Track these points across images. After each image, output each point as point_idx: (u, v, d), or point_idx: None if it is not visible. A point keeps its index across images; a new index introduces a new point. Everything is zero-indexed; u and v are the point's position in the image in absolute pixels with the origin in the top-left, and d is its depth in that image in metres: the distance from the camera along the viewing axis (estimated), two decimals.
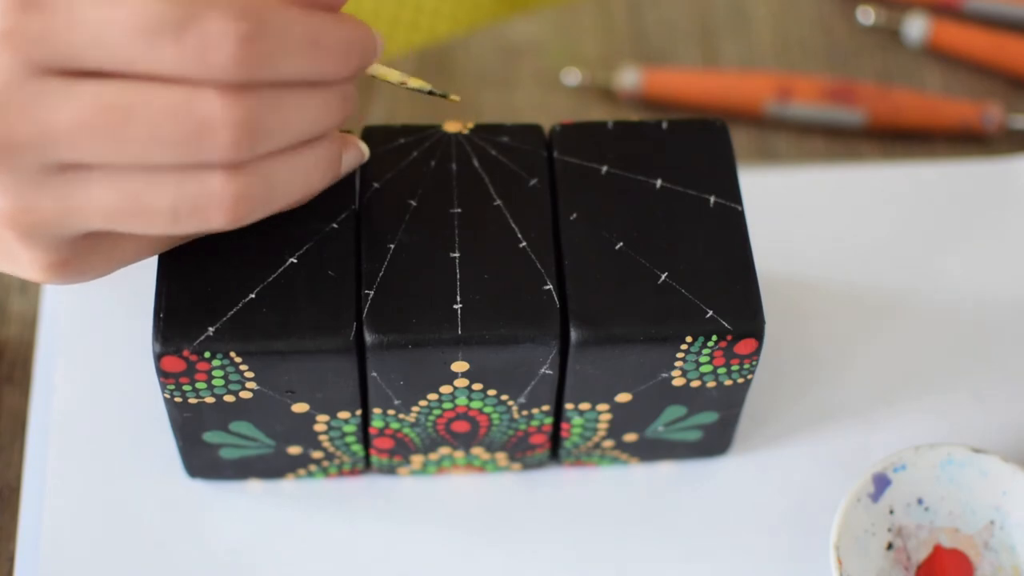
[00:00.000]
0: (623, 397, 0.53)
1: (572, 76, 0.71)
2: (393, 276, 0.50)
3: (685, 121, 0.55)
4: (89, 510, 0.57)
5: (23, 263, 0.46)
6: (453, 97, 0.52)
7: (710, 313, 0.50)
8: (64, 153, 0.43)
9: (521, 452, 0.57)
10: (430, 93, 0.52)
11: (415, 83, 0.51)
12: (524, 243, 0.51)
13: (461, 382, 0.51)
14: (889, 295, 0.63)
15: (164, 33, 0.42)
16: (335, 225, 0.51)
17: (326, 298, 0.49)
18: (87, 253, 0.46)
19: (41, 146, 0.42)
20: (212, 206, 0.44)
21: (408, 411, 0.53)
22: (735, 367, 0.52)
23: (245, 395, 0.51)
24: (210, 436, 0.54)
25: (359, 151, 0.51)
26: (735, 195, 0.53)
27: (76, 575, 0.55)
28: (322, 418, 0.53)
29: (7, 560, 0.56)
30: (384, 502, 0.58)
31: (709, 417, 0.55)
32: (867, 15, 0.73)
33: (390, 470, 0.58)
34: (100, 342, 0.60)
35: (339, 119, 0.46)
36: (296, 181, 0.46)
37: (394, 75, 0.50)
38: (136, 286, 0.59)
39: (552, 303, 0.50)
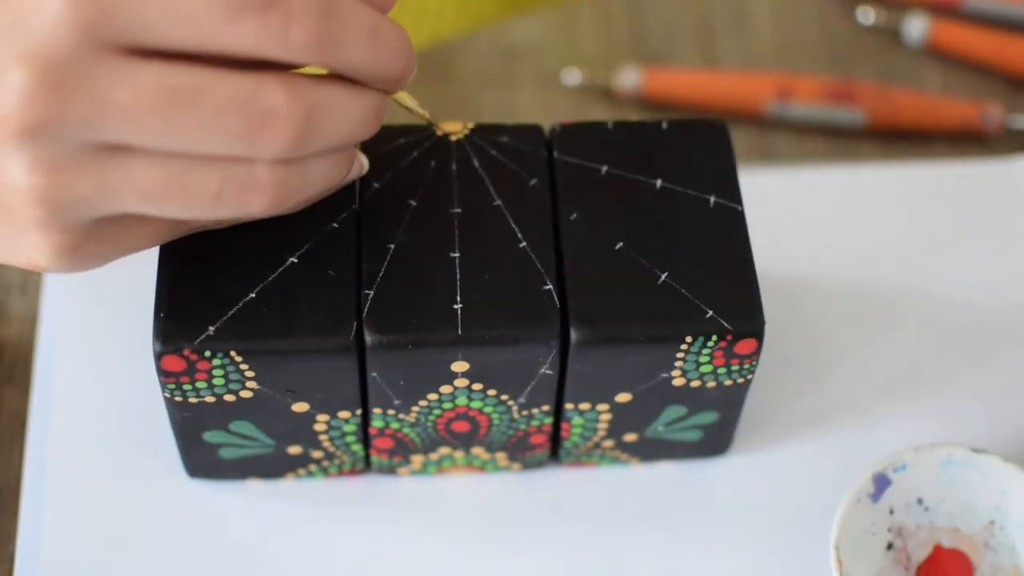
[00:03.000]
0: (623, 397, 0.53)
1: (572, 76, 0.71)
2: (393, 276, 0.50)
3: (685, 121, 0.55)
4: (89, 510, 0.57)
5: (30, 246, 0.45)
6: (441, 125, 0.54)
7: (710, 313, 0.50)
8: (115, 133, 0.42)
9: (521, 452, 0.57)
10: (428, 124, 0.53)
11: (418, 108, 0.52)
12: (524, 243, 0.51)
13: (461, 382, 0.51)
14: (889, 295, 0.63)
15: (248, 7, 0.41)
16: (335, 225, 0.51)
17: (326, 298, 0.49)
18: (100, 238, 0.46)
19: (92, 124, 0.42)
20: (255, 193, 0.44)
21: (408, 411, 0.53)
22: (735, 367, 0.52)
23: (245, 394, 0.51)
24: (210, 436, 0.54)
25: (362, 163, 0.52)
26: (735, 195, 0.53)
27: (76, 575, 0.55)
28: (322, 418, 0.53)
29: (7, 560, 0.56)
30: (384, 502, 0.58)
31: (709, 417, 0.55)
32: (867, 15, 0.73)
33: (390, 470, 0.58)
34: (100, 342, 0.60)
35: (372, 130, 0.47)
36: (327, 176, 0.47)
37: (405, 98, 0.51)
38: (136, 286, 0.59)
39: (552, 303, 0.50)
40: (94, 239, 0.45)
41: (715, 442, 0.58)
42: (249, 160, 0.44)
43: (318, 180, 0.47)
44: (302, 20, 0.42)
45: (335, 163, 0.47)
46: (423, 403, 0.53)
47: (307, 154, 0.45)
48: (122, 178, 0.43)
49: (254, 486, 0.58)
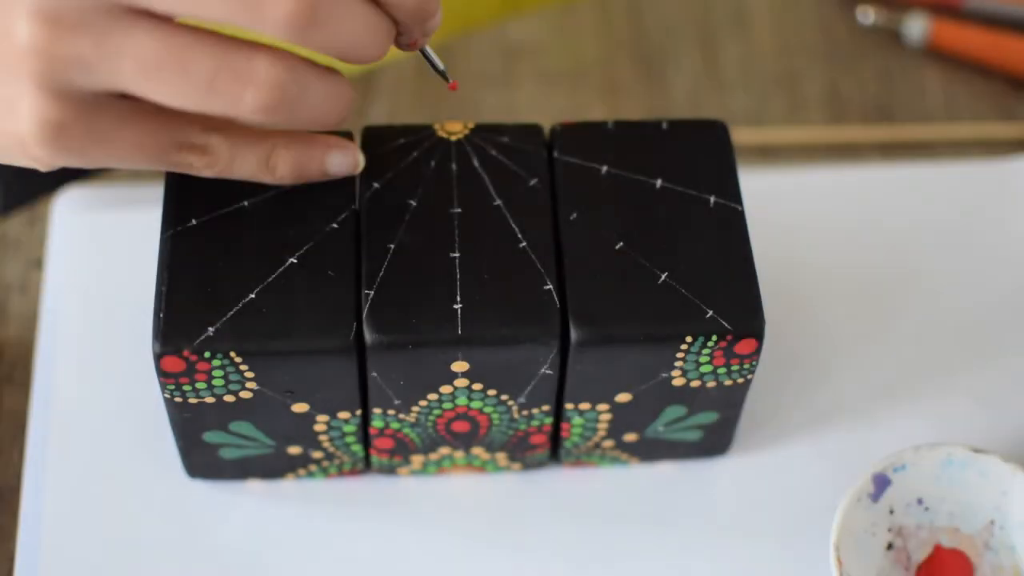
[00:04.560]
0: (623, 397, 0.53)
1: (866, 15, 0.72)
2: (393, 276, 0.50)
3: (685, 121, 0.55)
4: (89, 510, 0.57)
5: (24, 113, 0.45)
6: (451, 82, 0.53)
7: (710, 313, 0.50)
8: None
9: (521, 452, 0.57)
10: (441, 72, 0.52)
11: (435, 59, 0.52)
12: (524, 243, 0.51)
13: (461, 382, 0.51)
14: (889, 295, 0.63)
15: None
16: (335, 225, 0.51)
17: (326, 298, 0.49)
18: (90, 124, 0.46)
19: None
20: (250, 84, 0.44)
21: (408, 411, 0.53)
22: (735, 367, 0.52)
23: (245, 395, 0.51)
24: (210, 436, 0.54)
25: (357, 159, 0.52)
26: (735, 195, 0.53)
27: (76, 575, 0.55)
28: (322, 418, 0.53)
29: (7, 560, 0.56)
30: (384, 502, 0.58)
31: (709, 417, 0.55)
32: (867, 15, 0.73)
33: (390, 470, 0.58)
34: (100, 342, 0.60)
35: (376, 52, 0.47)
36: (322, 104, 0.47)
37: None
38: (136, 286, 0.59)
39: (552, 303, 0.50)
40: (83, 122, 0.45)
41: (715, 442, 0.58)
42: (250, 51, 0.44)
43: (313, 103, 0.46)
44: None
45: (332, 92, 0.47)
46: (423, 403, 0.53)
47: (308, 45, 0.45)
48: (123, 42, 0.44)
49: (254, 486, 0.58)
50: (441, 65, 0.52)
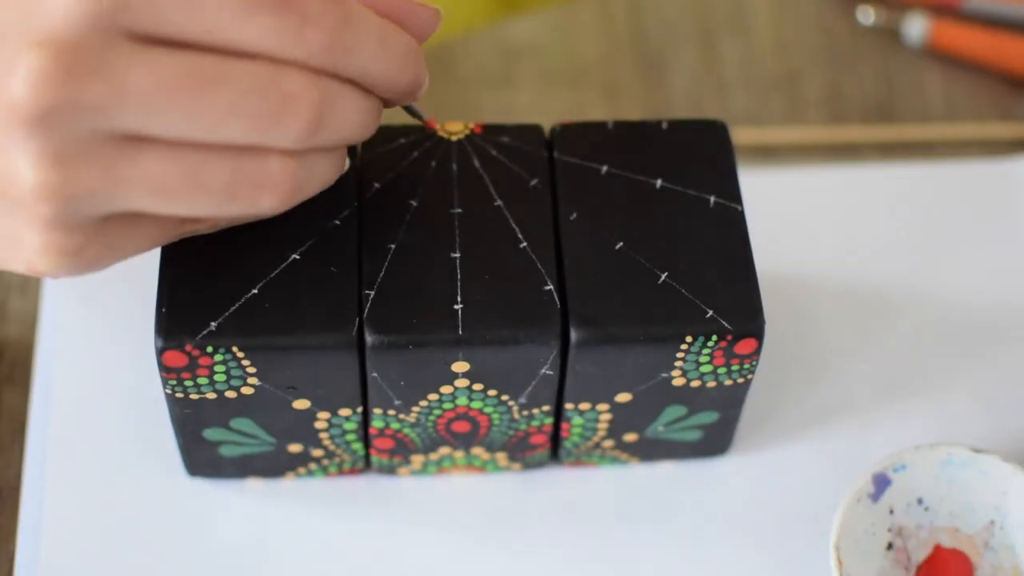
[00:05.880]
0: (623, 397, 0.53)
1: (866, 15, 0.72)
2: (394, 276, 0.50)
3: (685, 121, 0.55)
4: (89, 510, 0.57)
5: (31, 248, 0.43)
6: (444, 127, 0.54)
7: (710, 313, 0.50)
8: (131, 120, 0.41)
9: (521, 452, 0.57)
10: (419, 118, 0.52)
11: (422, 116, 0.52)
12: (524, 243, 0.51)
13: (461, 382, 0.51)
14: (889, 295, 0.63)
15: (264, 4, 0.41)
16: (337, 222, 0.51)
17: (328, 294, 0.49)
18: (103, 240, 0.44)
19: (108, 109, 0.41)
20: (267, 188, 0.44)
21: (408, 411, 0.53)
22: (735, 367, 0.52)
23: (247, 391, 0.51)
24: (211, 433, 0.54)
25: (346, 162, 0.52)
26: (735, 195, 0.53)
27: (76, 575, 0.55)
28: (323, 415, 0.53)
29: (7, 560, 0.56)
30: (384, 502, 0.58)
31: (709, 417, 0.55)
32: (867, 15, 0.73)
33: (390, 470, 0.58)
34: (100, 342, 0.61)
35: (370, 132, 0.47)
36: (325, 174, 0.47)
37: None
38: (136, 285, 0.59)
39: (552, 303, 0.50)
40: (97, 241, 0.44)
41: (715, 442, 0.58)
42: (262, 154, 0.44)
43: (318, 178, 0.46)
44: (318, 22, 0.42)
45: (334, 161, 0.47)
46: (423, 403, 0.53)
47: (317, 145, 0.45)
48: (133, 171, 0.42)
49: (254, 485, 0.58)
50: (423, 116, 0.52)
